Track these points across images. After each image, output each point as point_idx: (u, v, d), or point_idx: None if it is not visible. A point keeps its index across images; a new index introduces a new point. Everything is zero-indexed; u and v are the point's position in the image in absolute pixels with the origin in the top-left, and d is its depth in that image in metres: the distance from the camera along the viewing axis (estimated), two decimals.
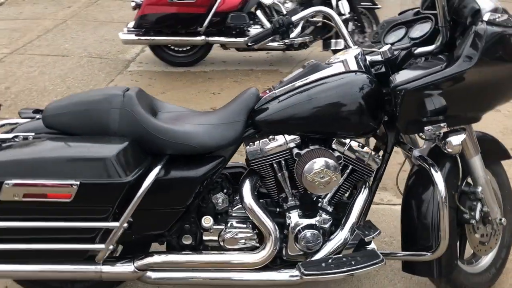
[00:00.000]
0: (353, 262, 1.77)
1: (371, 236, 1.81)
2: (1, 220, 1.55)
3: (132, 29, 4.40)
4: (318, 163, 1.72)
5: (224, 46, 4.57)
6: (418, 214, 1.90)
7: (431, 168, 1.74)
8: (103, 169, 1.54)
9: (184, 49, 4.66)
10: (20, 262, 1.68)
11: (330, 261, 1.79)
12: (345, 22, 4.22)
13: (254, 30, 4.50)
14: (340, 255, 1.82)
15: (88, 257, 1.69)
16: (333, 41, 4.20)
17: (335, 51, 4.65)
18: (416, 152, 1.83)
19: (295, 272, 1.80)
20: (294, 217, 1.85)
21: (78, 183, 1.52)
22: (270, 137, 1.81)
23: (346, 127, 1.79)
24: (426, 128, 1.70)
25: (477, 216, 1.90)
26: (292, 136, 1.82)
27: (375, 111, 1.77)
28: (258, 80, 4.45)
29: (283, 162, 1.83)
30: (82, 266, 1.71)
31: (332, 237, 1.86)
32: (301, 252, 1.86)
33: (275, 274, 1.82)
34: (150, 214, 1.70)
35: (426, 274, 1.93)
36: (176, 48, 4.64)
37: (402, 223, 1.96)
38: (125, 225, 1.61)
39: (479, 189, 1.91)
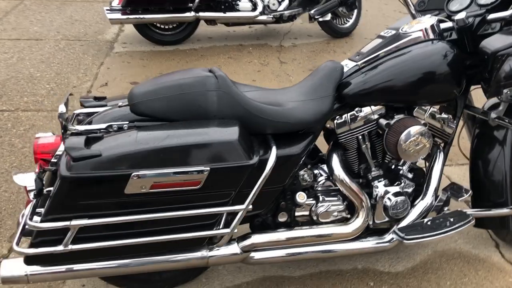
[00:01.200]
0: (447, 223, 1.85)
1: (465, 197, 1.90)
2: (125, 214, 1.47)
3: (117, 7, 4.18)
4: (413, 131, 1.76)
5: (211, 22, 4.45)
6: (489, 172, 2.00)
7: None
8: (232, 153, 1.49)
9: (171, 26, 4.50)
10: (131, 257, 1.61)
11: (425, 224, 1.86)
12: None
13: (243, 3, 4.43)
14: (432, 218, 1.90)
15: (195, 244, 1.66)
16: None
17: (321, 23, 4.73)
18: (493, 114, 1.92)
19: (391, 237, 1.86)
20: (380, 186, 1.90)
21: (208, 168, 1.46)
22: (357, 109, 1.83)
23: (433, 94, 1.83)
24: (505, 90, 1.79)
25: None
26: (378, 107, 1.84)
27: (459, 77, 1.82)
28: (252, 55, 4.40)
29: (366, 133, 1.86)
30: (189, 254, 1.66)
31: (417, 202, 1.93)
32: (387, 219, 1.92)
33: (371, 242, 1.86)
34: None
35: (501, 227, 2.06)
36: (162, 26, 4.47)
37: (472, 183, 2.07)
38: (250, 207, 1.58)
39: None
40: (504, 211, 1.94)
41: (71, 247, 1.45)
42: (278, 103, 1.77)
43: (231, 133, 1.51)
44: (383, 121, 1.84)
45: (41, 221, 1.42)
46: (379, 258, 2.15)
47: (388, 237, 1.88)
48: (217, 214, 1.56)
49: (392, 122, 1.82)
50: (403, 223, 1.89)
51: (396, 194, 1.87)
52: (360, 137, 1.86)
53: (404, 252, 2.19)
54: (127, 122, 1.59)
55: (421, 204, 1.91)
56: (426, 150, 1.82)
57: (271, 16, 4.49)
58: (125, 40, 4.64)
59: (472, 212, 1.93)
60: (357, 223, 1.84)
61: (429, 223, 1.86)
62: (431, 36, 1.84)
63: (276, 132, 1.72)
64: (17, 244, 1.46)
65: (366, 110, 1.84)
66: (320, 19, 4.36)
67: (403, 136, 1.76)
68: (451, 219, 1.86)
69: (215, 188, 1.50)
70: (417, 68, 1.78)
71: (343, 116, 1.82)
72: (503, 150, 1.99)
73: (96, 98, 1.82)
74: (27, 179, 1.54)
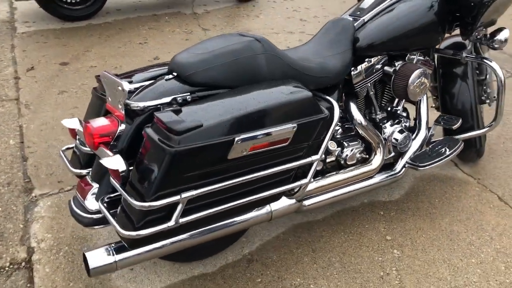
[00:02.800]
0: (445, 150, 2.19)
1: (457, 124, 2.24)
2: (228, 179, 1.48)
3: None
4: (418, 73, 2.02)
5: None
6: (459, 103, 2.38)
7: (483, 60, 2.21)
8: (312, 107, 1.58)
9: (79, 0, 4.18)
10: (216, 222, 1.63)
11: (428, 152, 2.17)
12: None
13: None
14: (431, 147, 2.22)
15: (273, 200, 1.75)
16: None
17: None
18: (464, 53, 2.27)
19: (401, 168, 2.13)
20: (388, 127, 2.15)
21: (295, 125, 1.54)
22: (367, 60, 2.03)
23: (427, 40, 2.10)
24: (475, 32, 2.15)
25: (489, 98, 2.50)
26: (383, 57, 2.07)
27: (444, 24, 2.12)
28: (171, 24, 4.32)
29: (373, 81, 2.09)
30: (258, 212, 1.74)
31: (414, 136, 2.23)
32: (393, 154, 2.19)
33: (385, 175, 2.11)
34: None
35: (470, 146, 2.47)
36: (70, 1, 4.13)
37: (443, 111, 2.44)
38: (323, 156, 1.70)
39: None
40: (482, 130, 2.33)
41: (181, 220, 1.45)
42: (311, 60, 1.89)
43: (303, 90, 1.61)
44: (388, 69, 2.07)
45: (151, 200, 1.38)
46: (378, 192, 2.44)
47: (398, 168, 2.16)
48: (293, 168, 1.66)
49: (397, 68, 2.06)
50: (408, 155, 2.18)
51: (401, 132, 2.14)
52: (369, 85, 2.07)
53: (394, 183, 2.50)
54: (188, 94, 1.58)
55: (419, 137, 2.21)
56: (426, 88, 2.10)
57: None
58: (26, 19, 4.19)
59: (459, 137, 2.29)
60: (377, 160, 2.08)
61: (431, 152, 2.18)
62: None
63: (318, 87, 1.85)
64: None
65: (374, 60, 2.05)
66: None
67: (411, 79, 2.01)
68: (446, 146, 2.21)
69: (297, 143, 1.60)
70: (416, 19, 2.03)
71: (358, 67, 2.02)
72: (467, 83, 2.37)
73: (117, 75, 1.76)
74: (116, 162, 1.45)
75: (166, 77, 1.65)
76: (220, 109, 1.46)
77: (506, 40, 2.18)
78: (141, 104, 1.53)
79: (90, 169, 1.76)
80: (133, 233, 1.40)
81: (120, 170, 1.42)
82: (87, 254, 1.51)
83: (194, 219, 1.47)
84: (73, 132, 1.74)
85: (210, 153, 1.42)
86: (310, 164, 1.70)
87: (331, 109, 1.74)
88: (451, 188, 2.50)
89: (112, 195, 1.58)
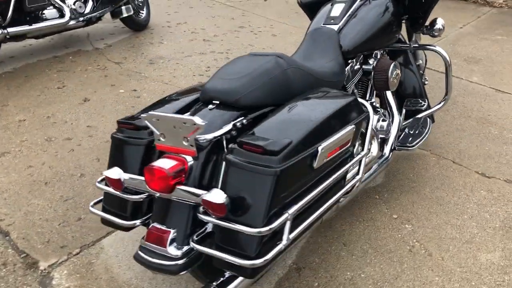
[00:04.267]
0: (422, 128, 2.48)
1: (423, 104, 2.53)
2: (315, 187, 1.53)
3: None
4: (394, 66, 2.28)
5: (19, 37, 3.87)
6: (411, 85, 2.71)
7: (429, 47, 2.56)
8: (357, 109, 1.71)
9: None
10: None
11: (411, 134, 2.45)
12: None
13: (49, 11, 4.00)
14: (408, 129, 2.50)
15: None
16: (123, 8, 4.30)
17: (124, 19, 4.70)
18: (412, 43, 2.60)
19: (389, 152, 2.37)
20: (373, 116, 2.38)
21: (353, 126, 1.64)
22: (349, 61, 2.23)
23: (391, 37, 2.38)
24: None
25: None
26: (359, 57, 2.29)
27: (400, 22, 2.42)
28: (79, 64, 4.07)
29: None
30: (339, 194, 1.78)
31: (391, 123, 2.49)
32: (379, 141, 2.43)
33: (380, 161, 2.32)
34: None
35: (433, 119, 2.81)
36: None
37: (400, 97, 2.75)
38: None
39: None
40: (440, 105, 2.65)
41: (291, 236, 1.46)
42: (318, 67, 2.01)
43: (347, 94, 1.73)
44: (366, 67, 2.30)
45: (263, 226, 1.37)
46: None
47: (387, 153, 2.38)
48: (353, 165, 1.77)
49: (374, 65, 2.30)
50: (391, 140, 2.42)
51: (383, 120, 2.39)
52: (354, 83, 2.28)
53: None
54: (243, 118, 1.61)
55: (396, 122, 2.47)
56: (399, 78, 2.38)
57: (81, 20, 4.20)
58: None
59: (422, 115, 2.60)
60: (375, 149, 2.28)
61: (413, 132, 2.46)
62: None
63: None
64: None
65: (355, 61, 2.26)
66: (124, 15, 4.38)
67: (390, 72, 2.26)
68: (420, 125, 2.51)
69: (354, 142, 1.72)
70: (381, 21, 2.28)
71: (346, 70, 2.20)
72: (412, 69, 2.71)
73: (134, 118, 1.72)
74: (219, 196, 1.40)
75: (210, 106, 1.65)
76: (294, 125, 1.52)
77: (443, 28, 2.55)
78: (209, 137, 1.51)
79: (143, 218, 1.67)
80: (258, 262, 1.37)
81: (225, 203, 1.39)
82: None
83: (300, 232, 1.50)
84: (118, 183, 1.63)
85: (302, 166, 1.47)
86: (359, 161, 1.83)
87: (365, 107, 1.89)
88: (416, 162, 2.83)
89: (197, 233, 1.52)
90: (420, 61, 2.85)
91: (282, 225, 1.41)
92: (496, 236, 2.25)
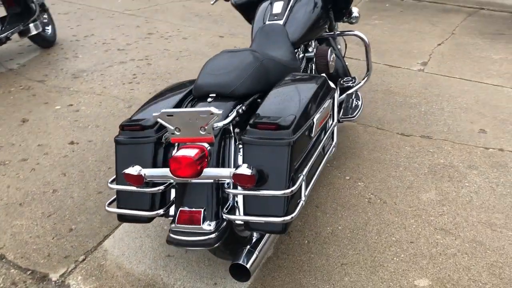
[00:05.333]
0: (356, 101, 2.92)
1: (354, 81, 2.96)
2: (313, 150, 1.85)
3: None
4: (331, 51, 2.68)
5: None
6: (337, 64, 3.14)
7: (351, 32, 2.99)
8: (329, 86, 2.08)
9: None
10: None
11: (349, 108, 2.88)
12: None
13: None
14: (346, 102, 2.92)
15: None
16: (31, 26, 4.27)
17: (32, 36, 4.60)
18: (336, 31, 3.02)
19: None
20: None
21: (331, 100, 2.02)
22: (296, 51, 2.58)
23: (325, 26, 2.76)
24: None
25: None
26: (301, 46, 2.65)
27: (329, 13, 2.82)
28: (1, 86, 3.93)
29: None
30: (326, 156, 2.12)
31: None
32: None
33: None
34: None
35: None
36: None
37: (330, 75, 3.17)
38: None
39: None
40: (364, 81, 3.07)
41: (306, 193, 1.75)
42: (282, 56, 2.32)
43: (319, 75, 2.07)
44: (308, 54, 2.67)
45: (290, 187, 1.65)
46: None
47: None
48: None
49: (315, 52, 2.67)
50: (335, 114, 2.83)
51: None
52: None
53: None
54: (241, 104, 1.88)
55: (336, 99, 2.89)
56: (335, 60, 2.78)
57: None
58: None
59: (352, 91, 3.04)
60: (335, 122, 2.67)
61: (349, 107, 2.88)
62: None
63: None
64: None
65: (299, 50, 2.62)
66: (35, 32, 4.31)
67: (328, 56, 2.66)
68: (354, 99, 2.95)
69: (330, 114, 2.06)
70: (315, 13, 2.66)
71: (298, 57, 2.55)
72: (335, 53, 3.15)
73: (135, 120, 1.91)
74: (247, 169, 1.63)
75: (208, 99, 1.88)
76: (289, 104, 1.81)
77: (359, 15, 3.01)
78: (221, 124, 1.75)
79: (165, 207, 1.85)
80: (288, 218, 1.65)
81: (255, 175, 1.64)
82: (238, 263, 1.68)
83: (310, 189, 1.81)
84: (139, 179, 1.78)
85: (305, 136, 1.78)
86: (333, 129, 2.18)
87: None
88: (349, 133, 3.29)
89: (225, 208, 1.76)
90: (339, 46, 3.30)
91: (300, 185, 1.71)
92: (427, 180, 2.77)
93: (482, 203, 2.56)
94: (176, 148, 1.83)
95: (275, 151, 1.66)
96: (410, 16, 6.38)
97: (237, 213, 1.76)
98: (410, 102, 3.78)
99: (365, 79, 3.10)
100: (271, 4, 2.67)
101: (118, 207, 1.90)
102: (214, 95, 1.89)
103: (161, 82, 4.08)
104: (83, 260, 2.16)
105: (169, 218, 1.85)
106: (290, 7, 2.61)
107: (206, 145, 1.72)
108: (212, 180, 1.74)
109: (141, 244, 2.26)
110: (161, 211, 1.84)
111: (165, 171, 1.75)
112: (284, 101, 1.84)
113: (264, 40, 2.48)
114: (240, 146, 1.80)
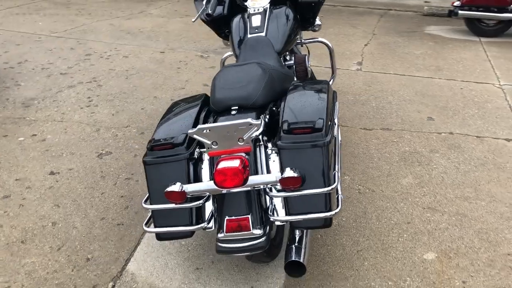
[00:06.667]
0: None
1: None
2: None
3: None
4: (307, 58, 2.86)
5: None
6: None
7: (317, 39, 3.21)
8: (332, 89, 2.24)
9: None
10: None
11: None
12: None
13: None
14: None
15: None
16: None
17: None
18: (302, 39, 3.22)
19: None
20: None
21: (337, 102, 2.17)
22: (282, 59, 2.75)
23: (298, 35, 2.94)
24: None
25: None
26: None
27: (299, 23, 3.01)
28: None
29: None
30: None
31: None
32: None
33: None
34: None
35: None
36: None
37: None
38: None
39: None
40: (331, 81, 3.34)
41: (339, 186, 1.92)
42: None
43: (321, 81, 2.24)
44: (288, 62, 2.85)
45: (330, 184, 1.80)
46: None
47: None
48: None
49: (294, 60, 2.85)
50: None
51: None
52: None
53: None
54: (263, 115, 2.01)
55: None
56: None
57: None
58: None
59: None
60: None
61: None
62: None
63: None
64: None
65: (282, 58, 2.79)
66: None
67: (307, 62, 2.85)
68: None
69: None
70: (289, 24, 2.84)
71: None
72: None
73: (163, 140, 1.97)
74: (293, 172, 1.75)
75: (232, 112, 1.97)
76: (311, 108, 1.94)
77: (321, 23, 3.25)
78: (254, 135, 1.86)
79: (206, 219, 1.91)
80: (333, 212, 1.80)
81: (300, 176, 1.77)
82: (294, 260, 1.81)
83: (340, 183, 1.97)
84: (182, 195, 1.83)
85: (332, 135, 1.93)
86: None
87: None
88: None
89: (269, 211, 1.87)
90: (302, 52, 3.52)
91: (337, 181, 1.87)
92: (401, 166, 3.07)
93: (452, 181, 2.90)
94: (206, 161, 1.92)
95: (313, 152, 1.81)
96: (331, 20, 6.85)
97: (277, 214, 1.88)
98: (360, 99, 4.11)
99: (331, 81, 3.35)
100: (248, 17, 2.79)
101: (157, 226, 1.93)
102: (236, 107, 1.99)
103: (120, 103, 4.02)
104: (113, 286, 2.14)
105: (207, 230, 1.92)
106: (267, 20, 2.76)
107: (243, 154, 1.82)
108: (249, 188, 1.83)
109: (165, 262, 2.27)
110: (205, 224, 1.90)
111: (208, 184, 1.83)
112: (305, 107, 1.98)
113: (252, 52, 2.60)
114: (270, 152, 1.93)
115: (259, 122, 1.72)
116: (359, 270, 2.23)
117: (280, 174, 1.77)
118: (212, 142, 1.77)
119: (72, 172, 3.01)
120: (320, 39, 3.21)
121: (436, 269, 2.22)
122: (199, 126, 1.75)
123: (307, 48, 3.52)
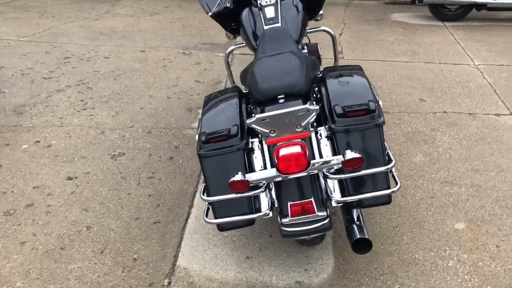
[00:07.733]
0: None
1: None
2: None
3: None
4: (319, 46, 2.94)
5: None
6: None
7: (320, 28, 3.29)
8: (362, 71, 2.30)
9: None
10: None
11: None
12: None
13: None
14: None
15: None
16: None
17: None
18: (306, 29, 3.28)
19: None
20: None
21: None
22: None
23: (307, 23, 3.00)
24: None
25: None
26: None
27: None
28: None
29: None
30: None
31: None
32: None
33: None
34: None
35: None
36: None
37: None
38: None
39: None
40: None
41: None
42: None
43: (351, 65, 2.31)
44: (304, 51, 2.91)
45: (389, 163, 1.88)
46: None
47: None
48: None
49: (307, 48, 2.92)
50: None
51: None
52: None
53: None
54: (310, 101, 2.07)
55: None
56: None
57: None
58: None
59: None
60: None
61: None
62: None
63: None
64: None
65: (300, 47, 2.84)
66: None
67: (319, 50, 2.93)
68: None
69: None
70: (301, 14, 2.90)
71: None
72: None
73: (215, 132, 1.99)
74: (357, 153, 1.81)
75: (280, 100, 2.00)
76: (354, 91, 2.00)
77: (323, 12, 3.32)
78: (312, 119, 1.91)
79: (269, 206, 1.95)
80: (396, 188, 1.89)
81: (362, 156, 1.83)
82: (361, 237, 1.88)
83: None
84: (246, 184, 1.85)
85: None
86: None
87: None
88: None
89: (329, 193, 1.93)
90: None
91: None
92: (409, 146, 3.22)
93: (460, 156, 3.08)
94: (257, 151, 1.97)
95: (371, 133, 1.89)
96: None
97: (336, 195, 1.94)
98: None
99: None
100: (260, 9, 2.81)
101: (218, 217, 1.95)
102: (283, 96, 2.02)
103: (117, 104, 3.94)
104: (169, 283, 2.13)
105: (267, 217, 1.96)
106: (281, 11, 2.80)
107: (300, 140, 1.87)
108: (315, 172, 1.89)
109: (214, 254, 2.29)
110: (267, 211, 1.94)
111: (270, 172, 1.87)
112: (351, 90, 2.04)
113: (273, 42, 2.62)
114: (320, 137, 1.99)
115: (317, 107, 1.77)
116: (400, 245, 2.34)
117: (341, 156, 1.83)
118: (270, 131, 1.80)
119: (90, 175, 2.93)
120: (323, 27, 3.29)
121: (470, 237, 2.36)
122: (257, 116, 1.78)
123: (308, 37, 3.59)
